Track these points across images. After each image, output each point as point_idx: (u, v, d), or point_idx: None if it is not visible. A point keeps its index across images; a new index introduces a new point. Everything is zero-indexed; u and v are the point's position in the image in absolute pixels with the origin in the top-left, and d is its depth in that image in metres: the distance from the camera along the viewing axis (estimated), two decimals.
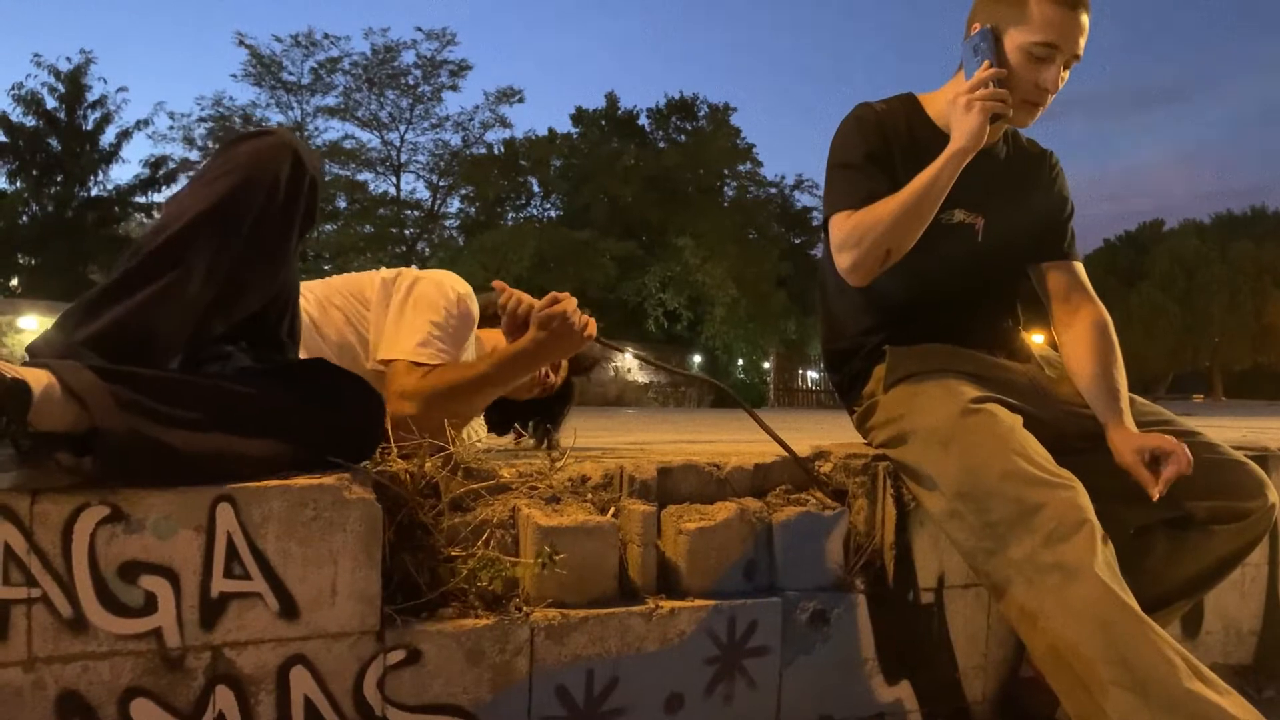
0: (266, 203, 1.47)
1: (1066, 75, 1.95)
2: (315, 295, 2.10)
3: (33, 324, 19.74)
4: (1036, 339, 2.28)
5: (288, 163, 1.49)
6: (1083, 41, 1.90)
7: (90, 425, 1.28)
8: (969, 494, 1.76)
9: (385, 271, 2.14)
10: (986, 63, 1.88)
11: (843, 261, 1.95)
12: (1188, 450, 1.81)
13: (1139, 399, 2.04)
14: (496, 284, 2.15)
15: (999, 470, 1.73)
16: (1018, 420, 1.83)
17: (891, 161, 2.00)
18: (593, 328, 2.02)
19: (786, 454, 2.05)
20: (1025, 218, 2.10)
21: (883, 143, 2.00)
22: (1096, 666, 1.56)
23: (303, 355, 1.98)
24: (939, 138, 1.96)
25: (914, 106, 2.09)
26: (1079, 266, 2.15)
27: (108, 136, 28.58)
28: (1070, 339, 2.07)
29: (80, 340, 1.37)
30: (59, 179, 27.95)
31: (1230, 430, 3.85)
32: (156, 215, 1.48)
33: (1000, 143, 2.09)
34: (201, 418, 1.39)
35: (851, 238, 1.92)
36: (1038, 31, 1.86)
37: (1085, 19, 1.88)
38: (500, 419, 2.43)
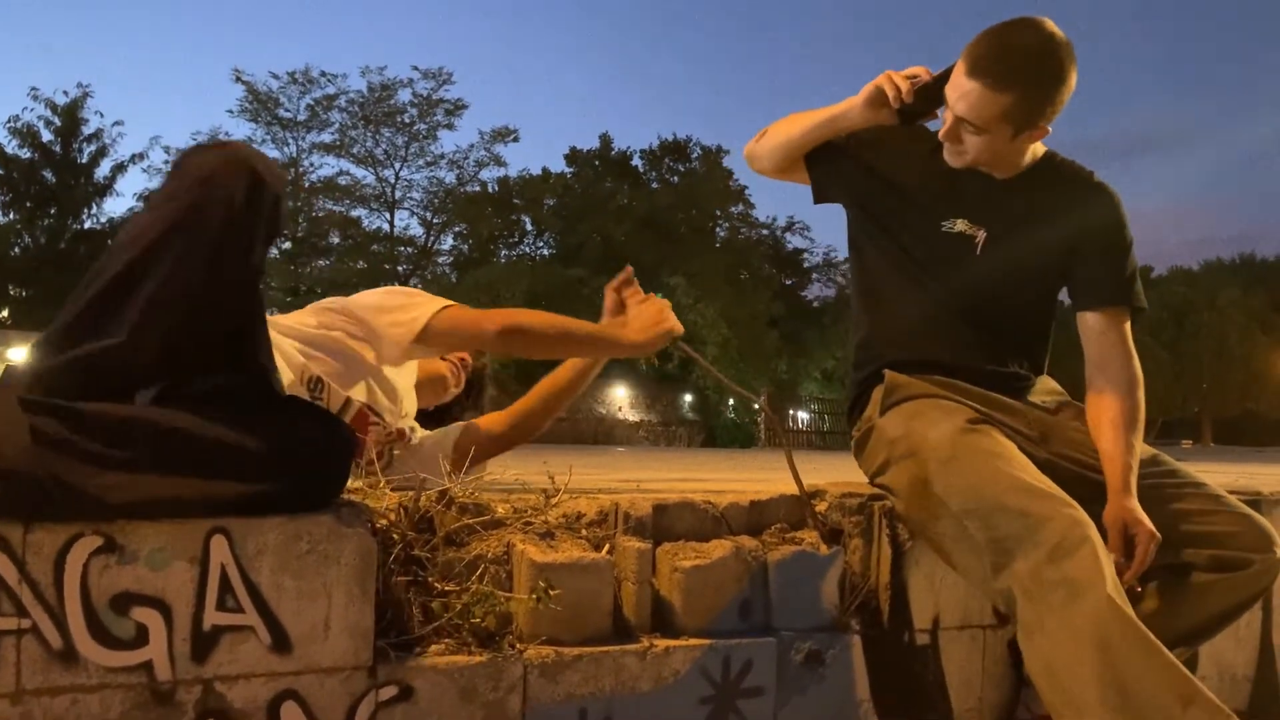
0: (224, 222, 1.42)
1: (971, 138, 1.90)
2: (315, 320, 2.15)
3: (22, 355, 19.67)
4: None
5: (244, 180, 1.44)
6: (970, 109, 1.84)
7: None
8: (975, 510, 1.73)
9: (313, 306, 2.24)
10: (928, 70, 1.95)
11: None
12: (1152, 544, 1.79)
13: (1146, 447, 2.00)
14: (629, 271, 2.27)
15: (1005, 484, 1.71)
16: (1013, 445, 1.83)
17: (868, 153, 2.12)
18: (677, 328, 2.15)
19: (783, 492, 2.05)
20: (1041, 244, 2.02)
21: (860, 137, 2.11)
22: (1090, 688, 1.54)
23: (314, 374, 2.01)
24: (937, 159, 2.01)
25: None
26: (1116, 314, 2.01)
27: (102, 170, 28.75)
28: (1093, 394, 2.00)
29: (55, 366, 1.35)
30: (52, 211, 28.01)
31: (1221, 475, 3.85)
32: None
33: (1028, 162, 2.01)
34: (141, 458, 1.35)
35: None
36: (951, 83, 1.88)
37: (979, 90, 1.81)
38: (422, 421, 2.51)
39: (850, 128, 2.06)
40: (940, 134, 1.93)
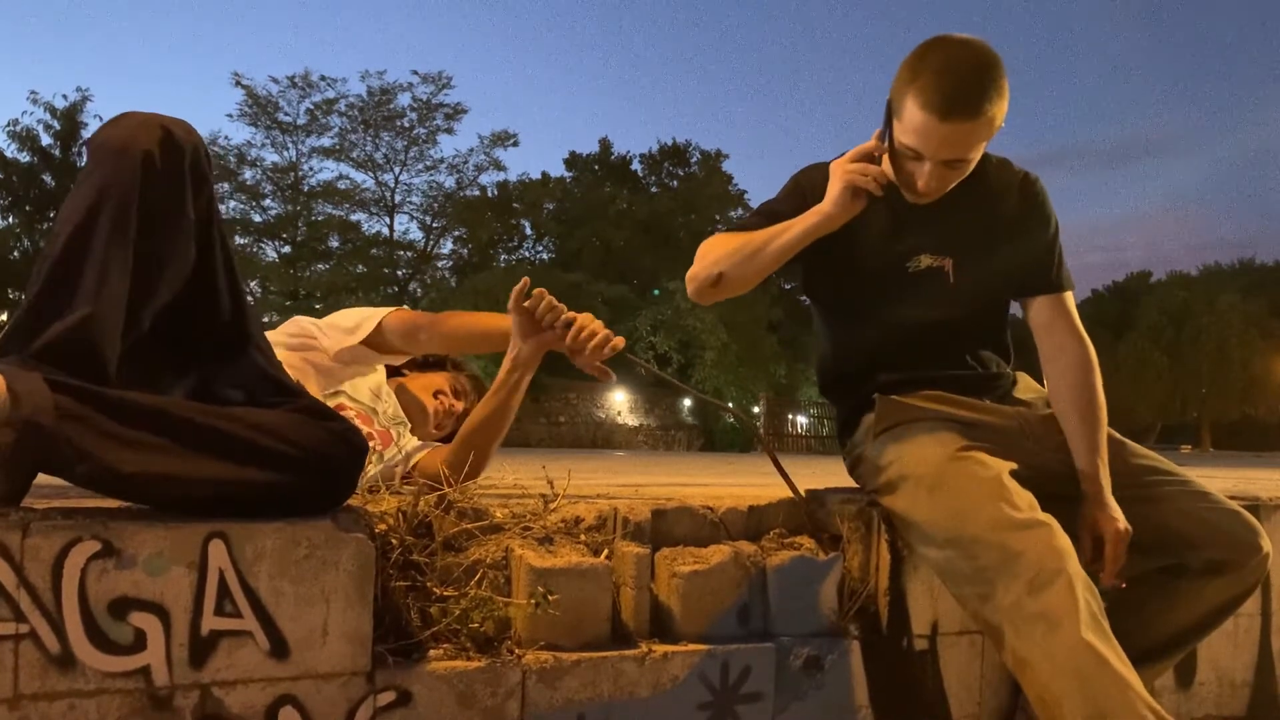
0: (145, 183, 1.44)
1: (957, 173, 1.84)
2: (287, 333, 2.27)
3: None
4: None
5: (155, 139, 1.46)
6: (960, 148, 1.78)
7: (22, 418, 1.25)
8: (957, 539, 1.76)
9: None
10: (877, 134, 1.86)
11: (689, 271, 2.03)
12: (1120, 543, 1.82)
13: (1131, 444, 2.04)
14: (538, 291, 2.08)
15: (986, 517, 1.73)
16: (1004, 467, 1.83)
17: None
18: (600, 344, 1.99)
19: (782, 497, 2.05)
20: (1001, 251, 2.02)
21: (802, 205, 1.95)
22: None
23: None
24: (876, 200, 1.90)
25: None
26: (1066, 298, 2.06)
27: None
28: (1053, 377, 2.03)
29: (36, 352, 1.35)
30: (52, 215, 28.01)
31: (1220, 480, 3.85)
32: None
33: (970, 179, 1.93)
34: (157, 441, 1.36)
35: (701, 251, 2.04)
36: (906, 133, 1.78)
37: (964, 127, 1.74)
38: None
39: (831, 230, 1.90)
40: (920, 186, 1.83)
